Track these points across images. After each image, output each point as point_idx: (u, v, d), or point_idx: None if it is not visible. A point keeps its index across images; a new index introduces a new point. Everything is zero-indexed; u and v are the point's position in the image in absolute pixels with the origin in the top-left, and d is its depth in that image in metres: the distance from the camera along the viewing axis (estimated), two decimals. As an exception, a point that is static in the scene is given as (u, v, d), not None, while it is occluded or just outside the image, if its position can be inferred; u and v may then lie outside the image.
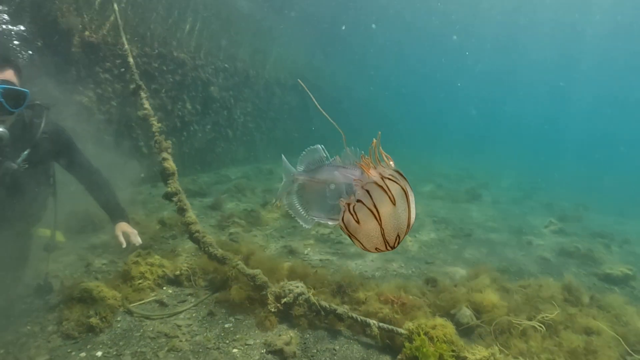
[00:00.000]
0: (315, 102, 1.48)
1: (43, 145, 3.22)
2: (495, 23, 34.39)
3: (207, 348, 3.35)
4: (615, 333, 3.90)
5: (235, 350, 3.37)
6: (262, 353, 3.34)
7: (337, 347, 3.53)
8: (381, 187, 1.21)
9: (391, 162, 1.28)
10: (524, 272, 6.22)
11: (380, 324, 3.57)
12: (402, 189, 1.21)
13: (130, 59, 4.95)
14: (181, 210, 4.53)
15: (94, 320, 3.43)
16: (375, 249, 1.27)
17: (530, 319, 3.98)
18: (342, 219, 1.32)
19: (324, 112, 1.51)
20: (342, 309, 3.71)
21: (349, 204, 1.30)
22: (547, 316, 4.04)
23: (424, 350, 3.04)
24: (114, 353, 3.16)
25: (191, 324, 3.68)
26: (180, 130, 9.97)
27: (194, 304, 4.01)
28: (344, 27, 25.15)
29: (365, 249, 1.31)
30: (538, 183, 20.54)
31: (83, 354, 3.12)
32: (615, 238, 9.59)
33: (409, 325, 3.37)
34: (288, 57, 17.37)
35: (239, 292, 3.97)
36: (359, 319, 3.64)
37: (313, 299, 3.77)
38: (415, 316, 3.71)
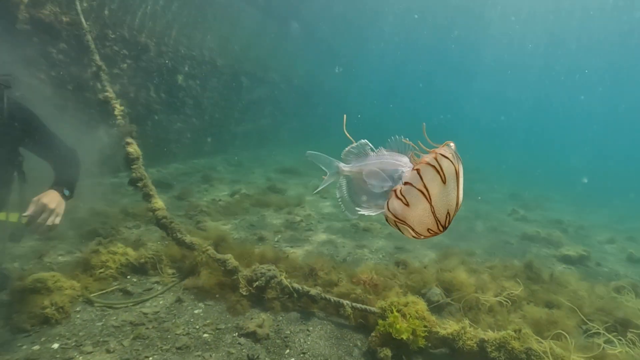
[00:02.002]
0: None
1: (6, 126, 3.00)
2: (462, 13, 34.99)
3: (176, 334, 3.25)
4: (572, 305, 4.12)
5: (205, 335, 3.28)
6: (234, 336, 3.28)
7: (311, 327, 3.52)
8: (433, 166, 1.19)
9: (452, 144, 1.23)
10: (489, 255, 6.44)
11: (354, 304, 3.59)
12: (454, 166, 1.19)
13: (89, 38, 4.70)
14: (147, 196, 4.37)
15: (49, 311, 3.17)
16: (428, 230, 1.26)
17: (496, 296, 4.13)
18: (388, 206, 1.30)
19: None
20: (315, 291, 3.70)
21: (395, 190, 1.28)
22: (512, 292, 4.21)
23: (397, 326, 3.07)
24: (73, 344, 2.97)
25: (158, 312, 3.56)
26: (144, 119, 9.60)
27: (161, 291, 3.89)
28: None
29: (416, 233, 1.28)
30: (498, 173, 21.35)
31: (36, 347, 2.89)
32: (572, 224, 10.14)
33: (382, 303, 3.40)
34: (257, 47, 17.09)
35: (209, 277, 3.88)
36: (332, 300, 3.65)
37: (285, 281, 3.74)
38: (387, 296, 3.75)
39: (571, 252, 6.78)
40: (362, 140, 1.65)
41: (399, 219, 1.28)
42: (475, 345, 3.12)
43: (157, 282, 4.07)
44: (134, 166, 4.46)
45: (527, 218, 10.16)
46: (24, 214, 2.59)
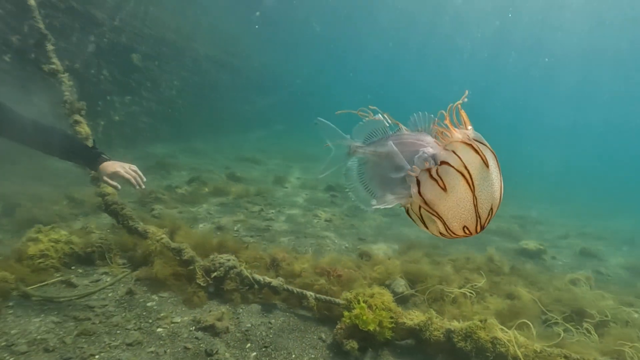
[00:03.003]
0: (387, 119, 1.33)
1: None
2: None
3: (127, 329, 3.04)
4: (532, 297, 4.25)
5: (160, 329, 3.10)
6: (191, 330, 3.12)
7: (273, 320, 3.40)
8: (471, 146, 1.01)
9: (469, 127, 1.06)
10: (452, 248, 6.56)
11: (318, 295, 3.50)
12: (491, 152, 1.02)
13: (32, 3, 4.30)
14: (95, 180, 4.08)
15: (-30, 309, 2.89)
16: (464, 228, 1.05)
17: (460, 288, 4.19)
18: (419, 189, 1.08)
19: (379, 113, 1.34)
20: (277, 282, 3.58)
21: (429, 170, 1.06)
22: (475, 284, 4.29)
23: (364, 318, 3.02)
24: (3, 344, 2.68)
25: (106, 305, 3.32)
26: (94, 99, 9.04)
27: (110, 283, 3.64)
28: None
29: (446, 230, 1.07)
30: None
31: (-46, 349, 2.62)
32: (530, 220, 10.59)
33: (347, 295, 3.33)
34: (220, 31, 16.59)
35: (163, 268, 3.67)
36: (295, 291, 3.55)
37: (246, 272, 3.60)
38: (351, 287, 3.70)
39: (529, 246, 7.06)
40: (378, 115, 1.40)
41: (430, 208, 1.06)
42: (442, 335, 3.12)
43: (105, 273, 3.81)
44: (82, 147, 4.14)
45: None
46: (119, 187, 3.03)
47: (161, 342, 2.96)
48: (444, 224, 1.06)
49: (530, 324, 3.38)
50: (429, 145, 1.19)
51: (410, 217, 1.20)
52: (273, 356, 2.99)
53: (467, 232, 1.05)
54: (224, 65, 16.53)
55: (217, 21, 16.19)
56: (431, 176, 1.05)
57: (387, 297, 3.33)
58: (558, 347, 3.16)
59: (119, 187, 2.99)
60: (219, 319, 3.19)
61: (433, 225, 1.11)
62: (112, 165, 2.97)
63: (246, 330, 3.22)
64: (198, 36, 14.48)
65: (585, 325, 3.86)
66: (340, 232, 6.36)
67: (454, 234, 1.07)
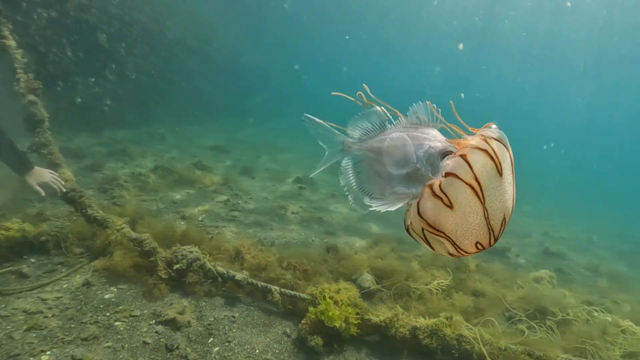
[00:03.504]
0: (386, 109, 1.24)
1: None
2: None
3: (82, 323, 2.93)
4: (497, 294, 4.38)
5: (118, 323, 3.00)
6: (151, 324, 3.03)
7: (237, 314, 3.36)
8: (484, 151, 0.90)
9: (493, 126, 0.96)
10: (419, 244, 6.66)
11: (282, 290, 3.48)
12: (508, 151, 0.93)
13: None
14: (52, 165, 3.90)
15: None
16: (476, 244, 0.95)
17: (426, 284, 4.25)
18: (418, 211, 0.97)
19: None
20: (241, 275, 3.53)
21: (430, 186, 0.96)
22: (442, 282, 4.36)
23: (330, 314, 3.02)
24: (-59, 340, 2.56)
25: (61, 297, 3.19)
26: (54, 79, 8.63)
27: (65, 273, 3.49)
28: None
29: (456, 249, 0.97)
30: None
31: None
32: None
33: (313, 289, 3.33)
34: (193, 16, 16.16)
35: (123, 258, 3.55)
36: (259, 285, 3.51)
37: (209, 264, 3.53)
38: (317, 282, 3.69)
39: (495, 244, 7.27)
40: (376, 108, 1.31)
41: (434, 229, 0.96)
42: (407, 332, 3.16)
43: (61, 263, 3.65)
44: (38, 130, 3.96)
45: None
46: (42, 194, 3.41)
47: (119, 336, 2.87)
48: (453, 244, 0.96)
49: (495, 321, 3.47)
50: (436, 139, 1.11)
51: (412, 236, 1.09)
52: (236, 351, 2.95)
53: (479, 247, 0.97)
54: (195, 52, 16.12)
55: (190, 6, 15.78)
56: (434, 194, 0.95)
57: (354, 292, 3.34)
58: (522, 344, 3.27)
59: (44, 194, 3.34)
60: (181, 313, 3.12)
61: (440, 246, 1.01)
62: (41, 175, 3.39)
63: (209, 325, 3.16)
64: (169, 20, 14.06)
65: (548, 322, 4.00)
66: (308, 225, 6.34)
67: (465, 252, 0.98)
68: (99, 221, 3.70)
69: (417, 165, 1.10)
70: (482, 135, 0.93)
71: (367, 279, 4.14)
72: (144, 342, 2.84)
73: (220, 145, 12.11)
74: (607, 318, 4.39)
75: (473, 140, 0.93)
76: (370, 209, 1.12)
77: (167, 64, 14.05)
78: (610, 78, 36.31)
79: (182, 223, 5.20)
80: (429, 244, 1.04)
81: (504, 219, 0.95)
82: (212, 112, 17.53)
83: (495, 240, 0.97)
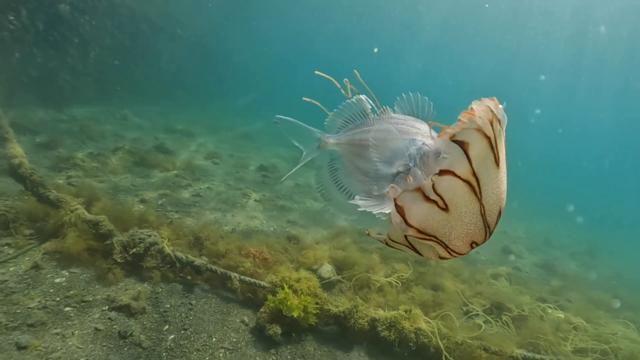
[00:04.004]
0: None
1: None
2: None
3: (29, 308, 2.82)
4: (456, 289, 4.52)
5: (68, 308, 2.91)
6: (104, 310, 2.96)
7: (194, 301, 3.32)
8: (488, 138, 0.78)
9: (500, 106, 0.83)
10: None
11: (242, 277, 3.46)
12: (503, 142, 0.84)
13: None
14: (1, 140, 3.70)
15: None
16: (471, 244, 0.87)
17: (387, 276, 4.34)
18: (406, 219, 0.86)
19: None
20: (200, 261, 3.49)
21: (421, 189, 0.84)
22: (402, 275, 4.45)
23: (289, 303, 3.03)
24: None
25: (6, 280, 3.06)
26: (9, 49, 8.15)
27: (12, 255, 3.34)
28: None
29: (449, 252, 0.88)
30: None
31: None
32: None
33: (273, 278, 3.33)
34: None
35: (77, 241, 3.43)
36: (218, 271, 3.48)
37: (167, 249, 3.47)
38: (278, 271, 3.70)
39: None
40: (360, 96, 1.19)
41: (424, 234, 0.86)
42: (366, 324, 3.22)
43: (8, 245, 3.49)
44: (-14, 100, 3.73)
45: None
46: None
47: (69, 322, 2.79)
48: (445, 246, 0.87)
49: (453, 315, 3.58)
50: (424, 135, 1.00)
51: (391, 246, 0.98)
52: (192, 339, 2.93)
53: (474, 247, 0.89)
54: (163, 31, 15.58)
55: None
56: (426, 198, 0.84)
57: (314, 282, 3.37)
58: (478, 339, 3.39)
59: None
60: (135, 299, 3.06)
61: (429, 250, 0.93)
62: None
63: (164, 312, 3.11)
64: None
65: (504, 318, 4.16)
66: (270, 214, 6.33)
67: (459, 254, 0.89)
68: (51, 201, 3.55)
69: (410, 164, 0.97)
70: (488, 111, 0.80)
71: (328, 270, 4.17)
72: (96, 329, 2.78)
73: (185, 129, 11.83)
74: (560, 315, 4.63)
75: (478, 120, 0.79)
76: (359, 209, 0.99)
77: (132, 41, 13.51)
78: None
79: (141, 207, 5.07)
80: (415, 249, 0.95)
81: (500, 212, 0.87)
82: (178, 95, 17.05)
83: (490, 235, 0.89)
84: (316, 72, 1.36)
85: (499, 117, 0.81)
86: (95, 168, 6.11)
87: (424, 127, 1.03)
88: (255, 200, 6.72)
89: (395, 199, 0.88)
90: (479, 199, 0.83)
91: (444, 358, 3.09)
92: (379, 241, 1.01)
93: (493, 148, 0.81)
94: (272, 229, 5.70)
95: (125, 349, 2.70)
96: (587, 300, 6.22)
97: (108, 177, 5.97)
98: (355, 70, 1.22)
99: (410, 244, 0.92)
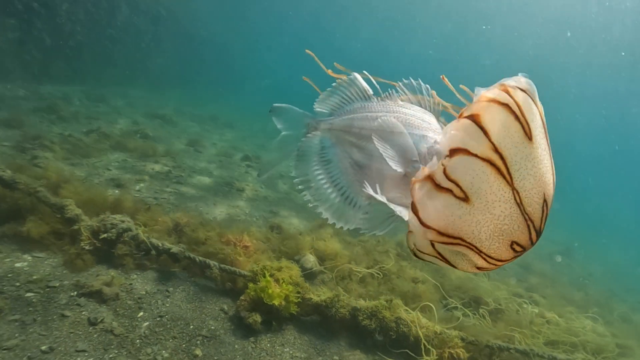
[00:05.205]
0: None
1: None
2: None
3: (-21, 295, 2.65)
4: (435, 282, 4.57)
5: (30, 294, 2.75)
6: (72, 296, 2.81)
7: (171, 289, 3.20)
8: (505, 105, 0.65)
9: (520, 75, 0.72)
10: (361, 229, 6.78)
11: (222, 266, 3.37)
12: (539, 112, 0.69)
13: None
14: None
15: None
16: (512, 245, 0.70)
17: (368, 268, 4.34)
18: (419, 215, 0.72)
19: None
20: (177, 248, 3.37)
21: (431, 176, 0.71)
22: (383, 266, 4.47)
23: (270, 291, 2.97)
24: None
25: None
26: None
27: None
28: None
29: (485, 259, 0.72)
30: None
31: None
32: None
33: (254, 266, 3.26)
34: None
35: (39, 225, 3.24)
36: (197, 259, 3.37)
37: (142, 236, 3.33)
38: (259, 259, 3.63)
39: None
40: (354, 74, 1.01)
41: (448, 236, 0.70)
42: (347, 313, 3.20)
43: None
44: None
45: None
46: None
47: (30, 308, 2.63)
48: (479, 251, 0.71)
49: (433, 306, 3.61)
50: (435, 131, 0.87)
51: (422, 259, 0.83)
52: (168, 326, 2.82)
53: (518, 249, 0.71)
54: (145, 12, 15.03)
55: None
56: (438, 186, 0.69)
57: (295, 271, 3.32)
58: (456, 329, 3.44)
59: None
60: (108, 284, 2.92)
61: (462, 260, 0.77)
62: None
63: (139, 298, 2.99)
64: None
65: (481, 311, 4.25)
66: (252, 203, 6.23)
67: (499, 260, 0.72)
68: (5, 182, 3.32)
69: (421, 165, 0.82)
70: (502, 84, 0.69)
71: (310, 260, 4.13)
72: (62, 315, 2.64)
73: (166, 114, 11.49)
74: (535, 310, 4.78)
75: (489, 92, 0.69)
76: (361, 217, 0.84)
77: (110, 18, 12.96)
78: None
79: (116, 191, 4.87)
80: (446, 261, 0.79)
81: (545, 200, 0.68)
82: (161, 79, 16.53)
83: (538, 233, 0.71)
84: (307, 50, 1.18)
85: (521, 86, 0.68)
86: (65, 150, 5.82)
87: (433, 122, 0.87)
88: (237, 190, 6.61)
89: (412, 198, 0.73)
90: (510, 182, 0.65)
91: (422, 346, 3.12)
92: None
93: (518, 117, 0.65)
94: (254, 218, 5.61)
95: (95, 335, 2.57)
96: (560, 296, 6.45)
97: (80, 160, 5.70)
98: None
99: (439, 253, 0.76)
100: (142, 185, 5.46)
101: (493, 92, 0.68)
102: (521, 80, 0.70)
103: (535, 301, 5.34)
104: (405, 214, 0.78)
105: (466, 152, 0.66)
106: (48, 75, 10.29)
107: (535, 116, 0.68)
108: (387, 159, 0.81)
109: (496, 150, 0.64)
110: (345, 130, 0.96)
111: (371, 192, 0.81)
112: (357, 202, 0.96)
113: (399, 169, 0.81)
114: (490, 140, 0.64)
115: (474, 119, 0.66)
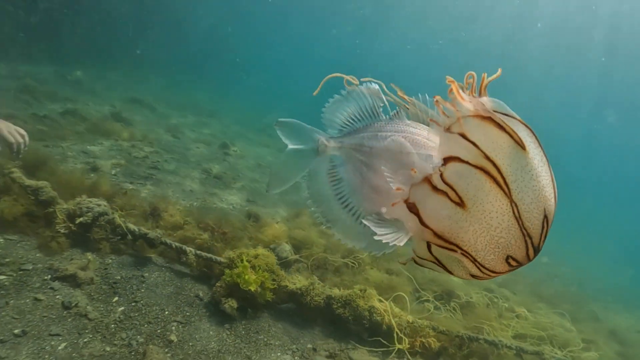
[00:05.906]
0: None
1: None
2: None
3: (-54, 276, 2.63)
4: (409, 274, 4.70)
5: (2, 277, 2.73)
6: (46, 280, 2.81)
7: (147, 274, 3.22)
8: (490, 119, 0.66)
9: (484, 97, 0.73)
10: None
11: (198, 252, 3.40)
12: (524, 126, 0.69)
13: None
14: None
15: None
16: (507, 259, 0.70)
17: (344, 258, 4.44)
18: (419, 214, 0.74)
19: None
20: (154, 234, 3.38)
21: (428, 178, 0.73)
22: (358, 256, 4.58)
23: (246, 277, 3.03)
24: None
25: None
26: None
27: None
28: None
29: (480, 269, 0.73)
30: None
31: None
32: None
33: (230, 253, 3.30)
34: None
35: (13, 206, 3.21)
36: (173, 245, 3.40)
37: (119, 220, 3.33)
38: (236, 246, 3.68)
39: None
40: (372, 85, 0.96)
41: (444, 240, 0.73)
42: (322, 301, 3.29)
43: None
44: None
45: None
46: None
47: (2, 291, 2.62)
48: (473, 260, 0.72)
49: (406, 297, 3.73)
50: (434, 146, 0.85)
51: (422, 265, 0.86)
52: (144, 312, 2.85)
53: (513, 264, 0.71)
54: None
55: None
56: (434, 188, 0.72)
57: (272, 259, 3.38)
58: (428, 319, 3.58)
59: None
60: (83, 269, 2.93)
61: (458, 266, 0.78)
62: None
63: (114, 283, 3.01)
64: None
65: (452, 304, 4.41)
66: (230, 191, 6.26)
67: (493, 272, 0.73)
68: (-23, 163, 3.28)
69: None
70: (475, 102, 0.71)
71: (286, 249, 4.20)
72: (36, 299, 2.64)
73: (144, 99, 11.30)
74: (504, 304, 4.99)
75: (468, 104, 0.70)
76: (371, 236, 0.84)
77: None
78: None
79: (92, 175, 4.83)
80: (442, 265, 0.79)
81: (545, 216, 0.67)
82: (140, 62, 16.19)
83: (536, 250, 0.70)
84: (326, 79, 1.08)
85: (487, 105, 0.71)
86: (39, 131, 5.71)
87: (437, 140, 0.85)
88: (215, 177, 6.61)
89: (407, 199, 0.77)
90: (508, 194, 0.65)
91: (395, 335, 3.23)
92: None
93: (504, 128, 0.65)
94: (231, 206, 5.64)
95: (69, 320, 2.59)
96: (530, 292, 6.70)
97: (56, 142, 5.60)
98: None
99: (436, 258, 0.78)
100: (118, 169, 5.40)
101: (468, 105, 0.70)
102: (485, 101, 0.71)
103: (505, 296, 5.54)
104: (409, 235, 0.82)
105: (458, 159, 0.68)
106: (24, 55, 10.01)
107: (520, 128, 0.69)
108: (390, 181, 0.82)
109: (487, 157, 0.65)
110: (356, 149, 0.97)
111: (381, 231, 0.83)
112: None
113: (406, 189, 0.82)
114: (479, 147, 0.66)
115: (461, 128, 0.69)
